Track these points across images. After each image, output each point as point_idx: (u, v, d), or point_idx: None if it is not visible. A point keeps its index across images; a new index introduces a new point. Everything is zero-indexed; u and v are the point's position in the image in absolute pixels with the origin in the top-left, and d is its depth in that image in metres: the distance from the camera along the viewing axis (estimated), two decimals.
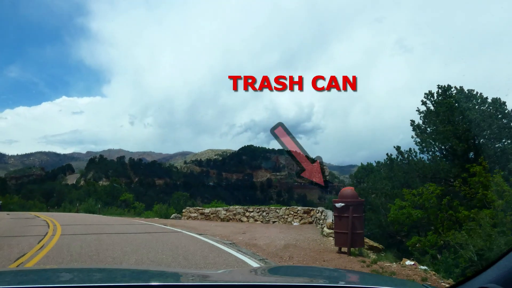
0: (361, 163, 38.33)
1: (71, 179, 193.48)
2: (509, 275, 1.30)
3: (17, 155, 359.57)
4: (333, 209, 9.40)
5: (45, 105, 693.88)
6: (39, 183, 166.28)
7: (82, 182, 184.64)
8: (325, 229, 12.42)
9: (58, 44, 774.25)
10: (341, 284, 2.24)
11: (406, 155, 19.94)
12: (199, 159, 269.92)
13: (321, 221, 14.77)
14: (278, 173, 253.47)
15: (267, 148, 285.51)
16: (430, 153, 19.37)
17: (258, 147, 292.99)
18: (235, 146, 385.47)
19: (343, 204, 8.87)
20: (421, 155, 19.53)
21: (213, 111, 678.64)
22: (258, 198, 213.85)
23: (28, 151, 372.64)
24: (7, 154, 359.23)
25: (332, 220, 12.22)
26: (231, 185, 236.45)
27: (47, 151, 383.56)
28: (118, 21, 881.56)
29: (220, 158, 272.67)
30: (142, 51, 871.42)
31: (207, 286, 2.11)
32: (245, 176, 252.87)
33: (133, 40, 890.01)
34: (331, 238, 11.59)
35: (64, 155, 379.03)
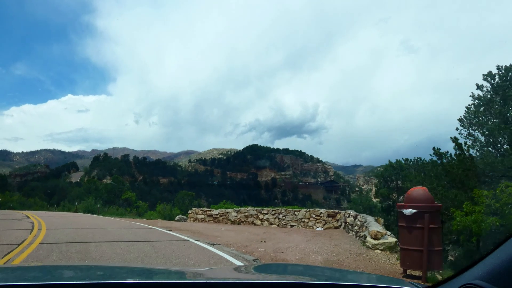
0: (389, 161, 35.62)
1: (75, 177, 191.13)
2: (495, 272, 1.30)
3: (22, 152, 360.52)
4: (398, 217, 6.77)
5: (51, 103, 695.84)
6: (42, 180, 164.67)
7: (86, 180, 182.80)
8: (368, 239, 9.84)
9: (64, 42, 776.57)
10: (339, 282, 2.20)
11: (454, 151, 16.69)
12: (203, 158, 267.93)
13: (356, 227, 12.19)
14: (282, 173, 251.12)
15: (271, 147, 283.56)
16: (491, 147, 16.36)
17: (263, 146, 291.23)
18: (239, 145, 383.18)
19: (414, 211, 6.29)
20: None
21: (218, 111, 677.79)
22: (263, 198, 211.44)
23: (33, 149, 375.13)
24: (12, 151, 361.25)
25: (378, 229, 9.72)
26: (235, 184, 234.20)
27: (52, 148, 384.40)
28: (124, 19, 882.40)
29: (225, 157, 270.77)
30: (148, 49, 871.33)
31: (200, 284, 2.04)
32: (249, 176, 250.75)
33: (138, 38, 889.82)
34: (379, 251, 9.18)
35: (69, 153, 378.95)
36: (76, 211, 35.94)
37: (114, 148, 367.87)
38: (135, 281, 1.85)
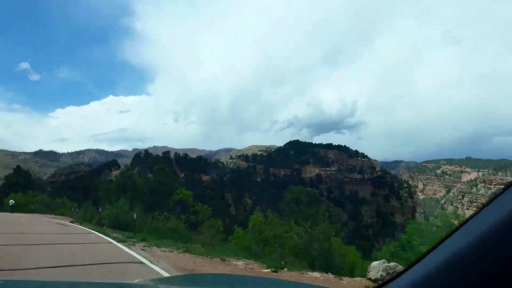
0: None
1: (116, 175, 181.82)
2: (423, 280, 1.31)
3: (68, 152, 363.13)
4: None
5: (93, 104, 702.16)
6: (84, 179, 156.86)
7: (119, 173, 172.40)
8: None
9: (105, 45, 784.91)
10: None
11: None
12: (245, 154, 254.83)
13: None
14: (327, 169, 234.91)
15: (313, 143, 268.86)
16: None
17: (305, 142, 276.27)
18: (278, 142, 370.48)
19: None
20: None
21: (255, 108, 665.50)
22: None
23: (78, 149, 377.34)
24: (59, 151, 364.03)
25: None
26: (279, 181, 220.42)
27: (96, 148, 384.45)
28: (162, 21, 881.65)
29: (265, 154, 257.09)
30: (186, 49, 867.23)
31: None
32: (293, 172, 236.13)
33: (176, 39, 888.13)
34: None
35: (112, 152, 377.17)
36: (100, 223, 21.64)
37: (154, 147, 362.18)
38: None
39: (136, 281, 2.92)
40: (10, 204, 48.92)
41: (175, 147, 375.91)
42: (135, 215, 16.48)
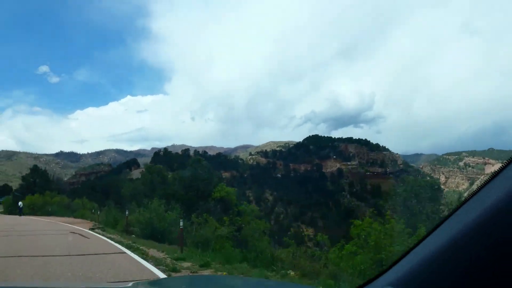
0: None
1: (136, 174, 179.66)
2: (406, 277, 1.30)
3: (88, 153, 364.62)
4: None
5: (111, 105, 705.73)
6: (104, 179, 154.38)
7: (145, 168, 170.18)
8: None
9: (122, 46, 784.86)
10: None
11: None
12: (264, 150, 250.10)
13: None
14: (348, 163, 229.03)
15: (333, 137, 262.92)
16: None
17: (324, 136, 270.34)
18: (296, 138, 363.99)
19: None
20: None
21: (272, 104, 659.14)
22: (329, 190, 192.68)
23: (98, 149, 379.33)
24: (79, 152, 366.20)
25: None
26: (299, 176, 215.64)
27: (115, 148, 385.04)
28: (177, 20, 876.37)
29: (284, 150, 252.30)
30: (201, 48, 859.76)
31: None
32: (313, 167, 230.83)
33: (192, 37, 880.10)
34: None
35: (131, 152, 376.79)
36: (127, 230, 16.67)
37: (173, 145, 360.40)
38: None
39: (130, 284, 2.80)
40: (19, 206, 44.93)
41: (193, 145, 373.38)
42: (181, 223, 11.34)
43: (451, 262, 1.10)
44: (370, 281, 1.52)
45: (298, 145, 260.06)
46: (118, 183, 70.98)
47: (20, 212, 43.61)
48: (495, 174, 1.05)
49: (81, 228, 20.61)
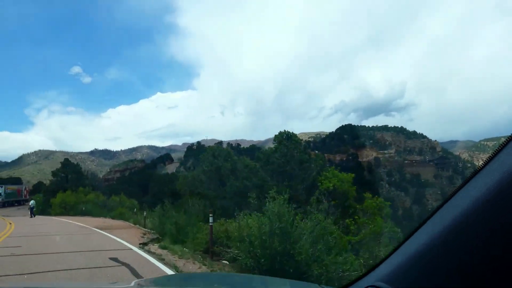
0: None
1: (170, 168, 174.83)
2: (396, 273, 1.31)
3: (121, 150, 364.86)
4: None
5: (142, 102, 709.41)
6: (139, 174, 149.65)
7: (182, 171, 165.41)
8: None
9: (151, 44, 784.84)
10: None
11: None
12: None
13: None
14: (385, 151, 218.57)
15: (367, 126, 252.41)
16: None
17: (358, 125, 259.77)
18: (326, 128, 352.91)
19: None
20: None
21: (301, 95, 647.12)
22: (368, 180, 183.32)
23: (131, 146, 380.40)
24: (113, 150, 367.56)
25: None
26: (335, 166, 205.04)
27: (147, 145, 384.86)
28: (204, 15, 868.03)
29: (317, 140, 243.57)
30: (228, 41, 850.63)
31: None
32: (349, 156, 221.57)
33: (219, 31, 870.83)
34: None
35: (163, 147, 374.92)
36: (213, 251, 8.58)
37: (203, 140, 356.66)
38: None
39: (132, 283, 2.73)
40: (31, 206, 37.98)
41: (223, 139, 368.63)
42: None
43: (440, 257, 1.09)
44: (361, 277, 1.51)
45: (331, 135, 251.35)
46: (157, 177, 63.98)
47: (31, 213, 37.31)
48: (480, 168, 1.02)
49: (128, 245, 12.63)
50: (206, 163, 35.74)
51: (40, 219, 34.83)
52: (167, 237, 14.01)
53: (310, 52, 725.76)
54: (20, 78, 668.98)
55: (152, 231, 16.84)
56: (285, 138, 29.68)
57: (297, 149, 23.45)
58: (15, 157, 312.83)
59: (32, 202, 39.59)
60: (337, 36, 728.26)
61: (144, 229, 19.69)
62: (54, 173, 53.19)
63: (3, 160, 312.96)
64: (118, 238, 14.76)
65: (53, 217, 36.81)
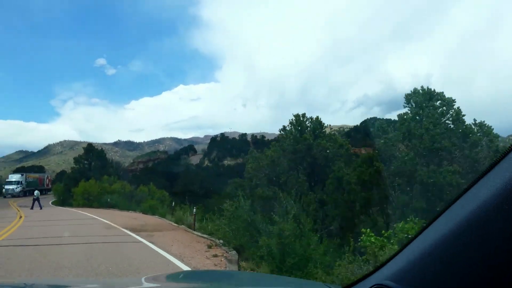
0: None
1: (194, 160, 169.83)
2: (402, 272, 1.27)
3: (144, 142, 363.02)
4: None
5: (165, 94, 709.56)
6: (163, 165, 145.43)
7: (206, 162, 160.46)
8: None
9: (174, 36, 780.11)
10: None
11: None
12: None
13: None
14: None
15: (392, 119, 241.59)
16: None
17: (383, 118, 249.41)
18: (349, 122, 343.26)
19: None
20: None
21: (324, 89, 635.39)
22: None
23: (154, 138, 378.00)
24: (136, 141, 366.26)
25: None
26: (361, 159, 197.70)
27: (170, 137, 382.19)
28: (227, 7, 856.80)
29: (342, 134, 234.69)
30: (252, 34, 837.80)
31: None
32: (375, 150, 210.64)
33: (242, 24, 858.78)
34: None
35: (185, 139, 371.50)
36: None
37: (225, 133, 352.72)
38: None
39: (143, 278, 2.76)
40: (35, 196, 33.00)
41: (245, 132, 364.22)
42: None
43: (449, 256, 1.07)
44: (367, 275, 1.48)
45: (356, 128, 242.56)
46: (188, 168, 58.16)
47: (33, 204, 32.17)
48: (490, 167, 0.99)
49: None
50: (283, 141, 30.07)
51: (57, 211, 29.39)
52: (257, 258, 7.79)
53: (333, 45, 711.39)
54: (47, 70, 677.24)
55: (218, 240, 10.56)
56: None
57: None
58: (42, 147, 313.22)
59: (36, 192, 34.62)
60: (362, 29, 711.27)
61: (195, 233, 13.50)
62: (76, 160, 47.11)
63: (30, 150, 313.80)
64: (174, 258, 8.57)
65: (74, 210, 31.15)
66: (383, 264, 1.41)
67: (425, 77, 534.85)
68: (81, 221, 19.96)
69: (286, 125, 36.38)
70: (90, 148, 44.38)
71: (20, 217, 23.02)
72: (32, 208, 31.18)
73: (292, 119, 35.82)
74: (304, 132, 33.79)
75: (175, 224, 16.92)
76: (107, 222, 18.15)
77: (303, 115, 36.44)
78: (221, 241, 10.34)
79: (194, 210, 16.15)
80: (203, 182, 49.42)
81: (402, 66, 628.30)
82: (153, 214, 23.44)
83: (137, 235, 12.77)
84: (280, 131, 37.33)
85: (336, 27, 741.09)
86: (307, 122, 35.90)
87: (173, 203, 20.90)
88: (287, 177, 30.59)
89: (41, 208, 30.94)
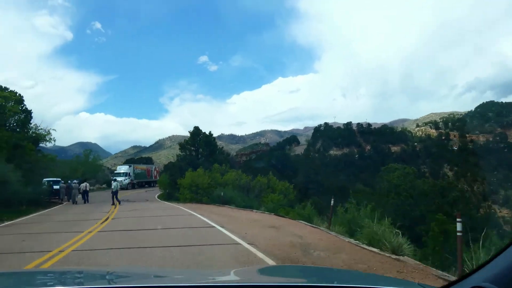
0: None
1: (298, 151, 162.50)
2: (503, 274, 1.22)
3: (246, 135, 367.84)
4: None
5: (264, 87, 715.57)
6: (267, 156, 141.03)
7: (311, 153, 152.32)
8: None
9: (272, 29, 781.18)
10: (338, 284, 2.17)
11: None
12: (435, 120, 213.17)
13: None
14: None
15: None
16: None
17: (502, 102, 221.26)
18: (459, 108, 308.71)
19: None
20: None
21: (430, 74, 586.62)
22: None
23: (255, 130, 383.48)
24: (237, 134, 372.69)
25: None
26: (479, 147, 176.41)
27: (270, 129, 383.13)
28: None
29: (447, 122, 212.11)
30: (350, 22, 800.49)
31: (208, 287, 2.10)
32: (495, 137, 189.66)
33: (339, 12, 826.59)
34: None
35: (285, 131, 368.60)
36: None
37: (325, 124, 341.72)
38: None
39: (232, 270, 2.77)
40: (113, 189, 27.04)
41: (345, 122, 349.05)
42: None
43: None
44: (465, 276, 1.42)
45: (470, 114, 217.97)
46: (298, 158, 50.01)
47: (114, 198, 26.05)
48: None
49: None
50: None
51: (161, 209, 22.78)
52: None
53: (440, 27, 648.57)
54: (155, 70, 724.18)
55: None
56: None
57: None
58: (153, 142, 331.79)
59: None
60: (471, 7, 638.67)
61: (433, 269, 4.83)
62: (181, 146, 41.13)
63: (143, 145, 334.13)
64: None
65: (180, 206, 24.31)
66: (482, 265, 1.33)
67: None
68: (191, 230, 12.40)
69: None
70: (197, 132, 37.84)
71: (106, 219, 16.39)
72: (113, 203, 24.91)
73: None
74: None
75: (375, 250, 8.09)
76: (236, 239, 9.97)
77: None
78: None
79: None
80: (327, 173, 40.55)
81: None
82: (292, 217, 15.21)
83: None
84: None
85: (442, 7, 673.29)
86: None
87: (332, 201, 12.28)
88: None
89: (120, 203, 25.05)
